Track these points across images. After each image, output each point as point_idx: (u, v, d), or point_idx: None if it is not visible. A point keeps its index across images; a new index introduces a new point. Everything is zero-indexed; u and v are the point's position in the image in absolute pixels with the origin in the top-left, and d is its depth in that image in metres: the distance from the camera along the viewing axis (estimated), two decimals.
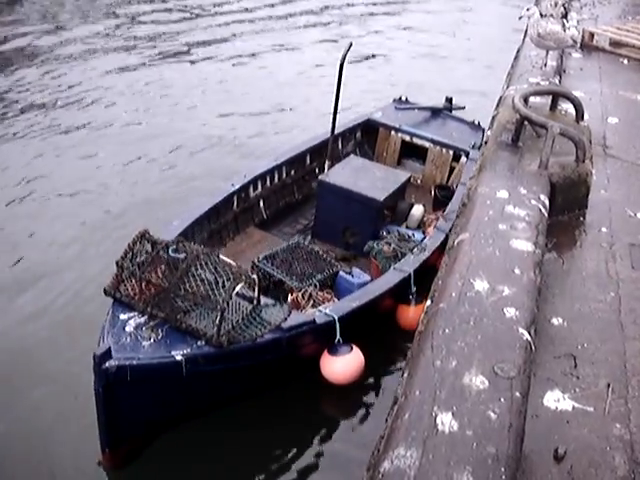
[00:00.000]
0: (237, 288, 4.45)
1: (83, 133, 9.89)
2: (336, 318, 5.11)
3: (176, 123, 10.28)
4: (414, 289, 5.88)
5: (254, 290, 4.66)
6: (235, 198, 6.91)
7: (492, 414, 2.62)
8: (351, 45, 6.89)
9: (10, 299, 6.43)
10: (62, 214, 7.79)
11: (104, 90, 11.30)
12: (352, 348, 5.23)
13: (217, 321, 4.38)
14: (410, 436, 2.50)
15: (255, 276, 4.66)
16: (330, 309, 5.24)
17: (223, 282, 4.45)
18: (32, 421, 5.17)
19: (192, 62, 13.02)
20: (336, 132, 8.03)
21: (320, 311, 5.21)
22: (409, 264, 5.96)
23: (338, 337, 5.15)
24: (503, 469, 2.40)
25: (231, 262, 4.69)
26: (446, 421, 2.57)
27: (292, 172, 7.67)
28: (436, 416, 2.59)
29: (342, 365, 5.20)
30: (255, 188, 7.21)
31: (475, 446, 2.48)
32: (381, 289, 5.66)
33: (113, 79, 11.79)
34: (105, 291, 4.72)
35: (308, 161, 7.87)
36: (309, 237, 6.99)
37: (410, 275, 5.82)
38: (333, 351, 5.20)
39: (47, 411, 5.24)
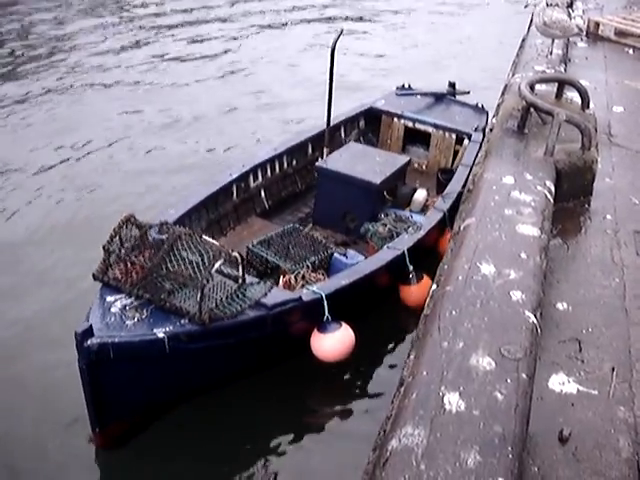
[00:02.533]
0: (217, 265, 4.46)
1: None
2: (324, 295, 5.07)
3: None
4: (411, 268, 5.88)
5: (239, 270, 4.70)
6: (234, 188, 6.85)
7: (499, 395, 2.64)
8: (342, 32, 6.84)
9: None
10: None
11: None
12: (341, 325, 5.21)
13: (198, 298, 4.40)
14: (418, 415, 2.52)
15: (237, 254, 4.66)
16: (318, 287, 5.21)
17: (206, 261, 4.48)
18: (26, 401, 5.19)
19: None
20: (338, 121, 8.04)
21: (307, 289, 5.19)
22: (403, 242, 5.93)
23: (327, 315, 5.11)
24: (510, 448, 2.42)
25: (214, 242, 4.70)
26: (453, 401, 2.59)
27: (293, 162, 7.62)
28: (443, 396, 2.61)
29: (331, 342, 5.16)
30: (255, 178, 7.15)
31: (482, 426, 2.50)
32: (372, 267, 5.62)
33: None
34: (94, 276, 4.72)
35: (310, 150, 7.83)
36: (310, 224, 7.00)
37: (404, 253, 5.78)
38: (322, 329, 5.16)
39: (40, 389, 5.27)
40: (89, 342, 4.17)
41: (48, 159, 8.72)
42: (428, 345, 2.90)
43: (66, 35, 13.53)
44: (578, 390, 3.15)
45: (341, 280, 5.35)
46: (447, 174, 7.49)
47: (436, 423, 2.49)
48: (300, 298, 5.00)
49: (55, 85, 11.06)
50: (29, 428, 5.00)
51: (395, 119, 8.43)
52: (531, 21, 8.07)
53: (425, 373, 2.73)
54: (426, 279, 5.93)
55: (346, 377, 5.63)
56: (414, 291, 5.93)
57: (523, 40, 8.37)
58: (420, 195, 7.24)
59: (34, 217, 7.49)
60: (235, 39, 14.01)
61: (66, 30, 13.81)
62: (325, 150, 7.29)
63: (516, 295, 3.23)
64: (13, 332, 5.85)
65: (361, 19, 15.86)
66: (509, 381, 2.70)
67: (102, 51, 12.80)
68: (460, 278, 3.34)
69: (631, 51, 8.51)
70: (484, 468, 2.34)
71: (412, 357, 3.04)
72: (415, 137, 8.40)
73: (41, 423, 5.03)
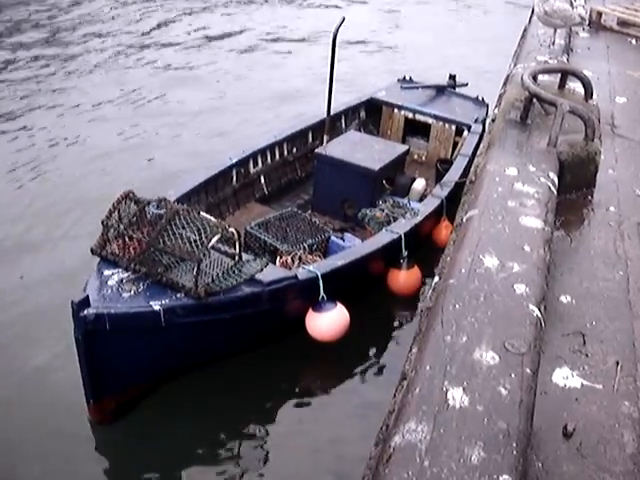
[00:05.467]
0: (213, 240, 4.53)
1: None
2: (319, 274, 5.12)
3: None
4: (405, 253, 5.86)
5: (236, 247, 4.74)
6: (234, 173, 6.92)
7: (503, 390, 2.60)
8: (343, 20, 6.83)
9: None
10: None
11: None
12: (336, 305, 5.22)
13: (195, 273, 4.45)
14: (421, 410, 2.48)
15: (233, 230, 4.70)
16: (314, 266, 5.26)
17: (203, 237, 4.50)
18: (23, 374, 5.26)
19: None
20: (339, 110, 8.07)
21: (303, 268, 5.24)
22: (400, 227, 5.96)
23: (322, 294, 5.15)
24: (514, 444, 2.38)
25: (211, 218, 4.76)
26: (457, 396, 2.55)
27: (294, 149, 7.66)
28: (447, 391, 2.57)
29: (326, 322, 5.22)
30: (255, 164, 7.20)
31: (486, 421, 2.46)
32: (368, 249, 5.67)
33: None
34: (92, 250, 4.81)
35: (310, 138, 7.85)
36: (309, 211, 7.01)
37: (401, 237, 5.81)
38: (317, 308, 5.22)
39: (38, 365, 5.33)
40: (85, 312, 4.23)
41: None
42: (431, 339, 2.85)
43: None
44: (582, 384, 3.11)
45: (337, 260, 5.41)
46: (446, 165, 7.48)
47: (439, 419, 2.46)
48: (296, 276, 5.07)
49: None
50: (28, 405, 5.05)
51: (395, 110, 8.45)
52: (533, 10, 7.99)
53: (428, 368, 2.69)
54: (416, 268, 5.95)
55: (340, 356, 5.64)
56: (403, 276, 5.95)
57: (525, 30, 8.29)
58: (419, 185, 7.25)
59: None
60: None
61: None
62: (325, 138, 7.29)
63: (520, 288, 3.19)
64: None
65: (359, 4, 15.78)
66: (513, 376, 2.66)
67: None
68: (463, 271, 3.29)
69: (634, 41, 8.44)
70: (488, 464, 2.31)
71: (414, 351, 3.01)
72: (415, 128, 8.42)
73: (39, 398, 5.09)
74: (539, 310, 3.08)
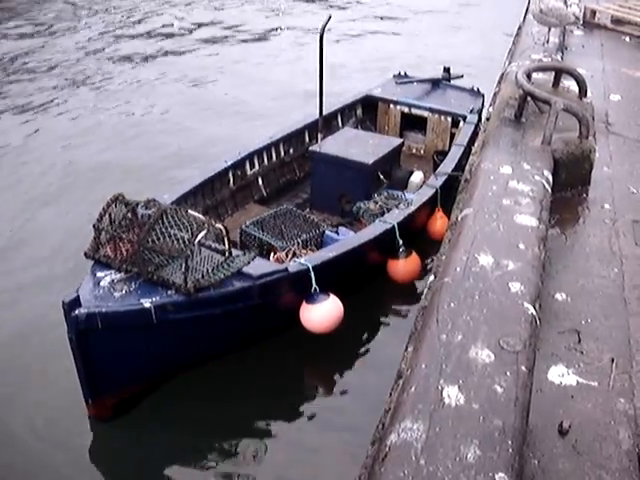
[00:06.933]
0: (200, 236, 4.54)
1: None
2: (310, 267, 5.11)
3: None
4: (401, 242, 5.89)
5: (225, 243, 4.77)
6: (230, 175, 6.91)
7: (498, 388, 2.60)
8: (330, 18, 6.83)
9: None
10: None
11: None
12: (329, 296, 5.22)
13: (183, 269, 4.48)
14: (417, 409, 2.49)
15: (220, 225, 4.73)
16: (305, 259, 5.26)
17: (191, 234, 4.55)
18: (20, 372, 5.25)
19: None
20: (335, 108, 8.07)
21: (295, 261, 5.24)
22: (393, 217, 5.97)
23: (314, 286, 5.13)
24: (510, 442, 2.39)
25: (198, 215, 4.78)
26: (452, 394, 2.56)
27: (290, 150, 7.65)
28: (442, 389, 2.57)
29: (319, 313, 5.19)
30: (252, 165, 7.19)
31: (482, 419, 2.47)
32: (361, 240, 5.67)
33: None
34: (85, 254, 4.81)
35: (307, 138, 7.85)
36: (307, 209, 7.02)
37: (394, 227, 5.82)
38: (310, 300, 5.19)
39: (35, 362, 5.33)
40: (77, 312, 4.25)
41: None
42: (426, 338, 2.86)
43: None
44: (577, 382, 3.12)
45: (329, 252, 5.39)
46: (443, 156, 7.48)
47: (435, 417, 2.46)
48: (286, 269, 5.05)
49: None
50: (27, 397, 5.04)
51: (391, 105, 8.47)
52: (527, 9, 8.02)
53: (424, 366, 2.69)
54: (414, 255, 5.98)
55: (335, 348, 5.63)
56: (402, 266, 5.98)
57: (519, 28, 8.32)
58: (417, 177, 7.26)
59: None
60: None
61: None
62: (320, 136, 7.29)
63: (515, 286, 3.19)
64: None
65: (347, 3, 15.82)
66: (508, 374, 2.67)
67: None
68: (458, 269, 3.30)
69: (628, 39, 8.47)
70: (484, 462, 2.31)
71: (410, 350, 3.01)
72: (412, 122, 8.44)
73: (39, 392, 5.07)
74: (534, 308, 3.09)
